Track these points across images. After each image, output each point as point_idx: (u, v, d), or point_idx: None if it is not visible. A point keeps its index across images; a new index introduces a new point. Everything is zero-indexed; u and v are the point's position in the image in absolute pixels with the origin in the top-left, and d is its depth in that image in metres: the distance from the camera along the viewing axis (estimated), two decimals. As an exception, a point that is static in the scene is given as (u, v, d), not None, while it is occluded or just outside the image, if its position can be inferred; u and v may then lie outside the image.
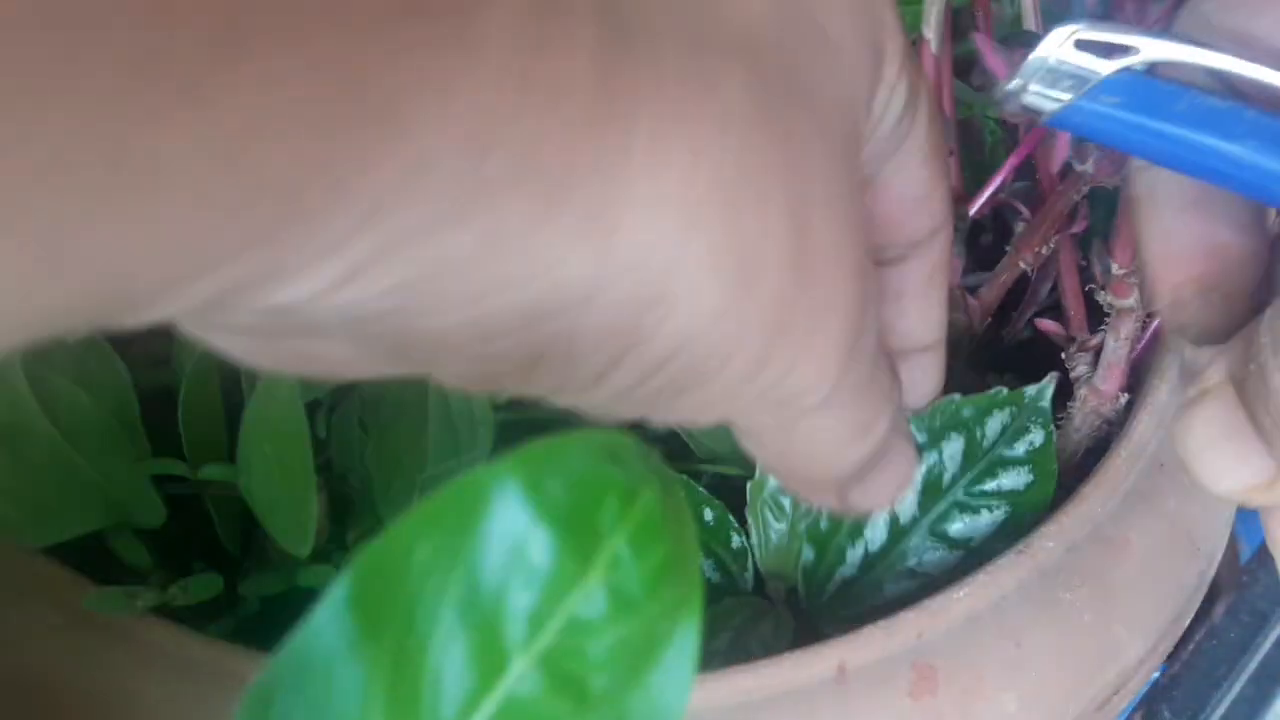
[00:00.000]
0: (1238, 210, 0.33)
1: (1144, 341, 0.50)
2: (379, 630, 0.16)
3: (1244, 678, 0.50)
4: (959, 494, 0.47)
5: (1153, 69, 0.30)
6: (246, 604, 0.43)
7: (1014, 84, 0.30)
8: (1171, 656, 0.47)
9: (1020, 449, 0.47)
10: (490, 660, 0.16)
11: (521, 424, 0.44)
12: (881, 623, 0.40)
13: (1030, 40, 0.30)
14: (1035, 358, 0.57)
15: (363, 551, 0.16)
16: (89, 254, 0.15)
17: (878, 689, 0.40)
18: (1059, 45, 0.29)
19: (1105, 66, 0.30)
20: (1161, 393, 0.49)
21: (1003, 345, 0.55)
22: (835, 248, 0.23)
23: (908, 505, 0.47)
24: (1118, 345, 0.48)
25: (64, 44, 0.14)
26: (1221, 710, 0.49)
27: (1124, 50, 0.30)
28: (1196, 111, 0.30)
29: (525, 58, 0.18)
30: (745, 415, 0.26)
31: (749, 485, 0.46)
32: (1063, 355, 0.51)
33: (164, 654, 0.39)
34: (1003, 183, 0.50)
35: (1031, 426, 0.47)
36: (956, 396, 0.47)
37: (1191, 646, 0.51)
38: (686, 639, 0.16)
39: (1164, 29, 0.31)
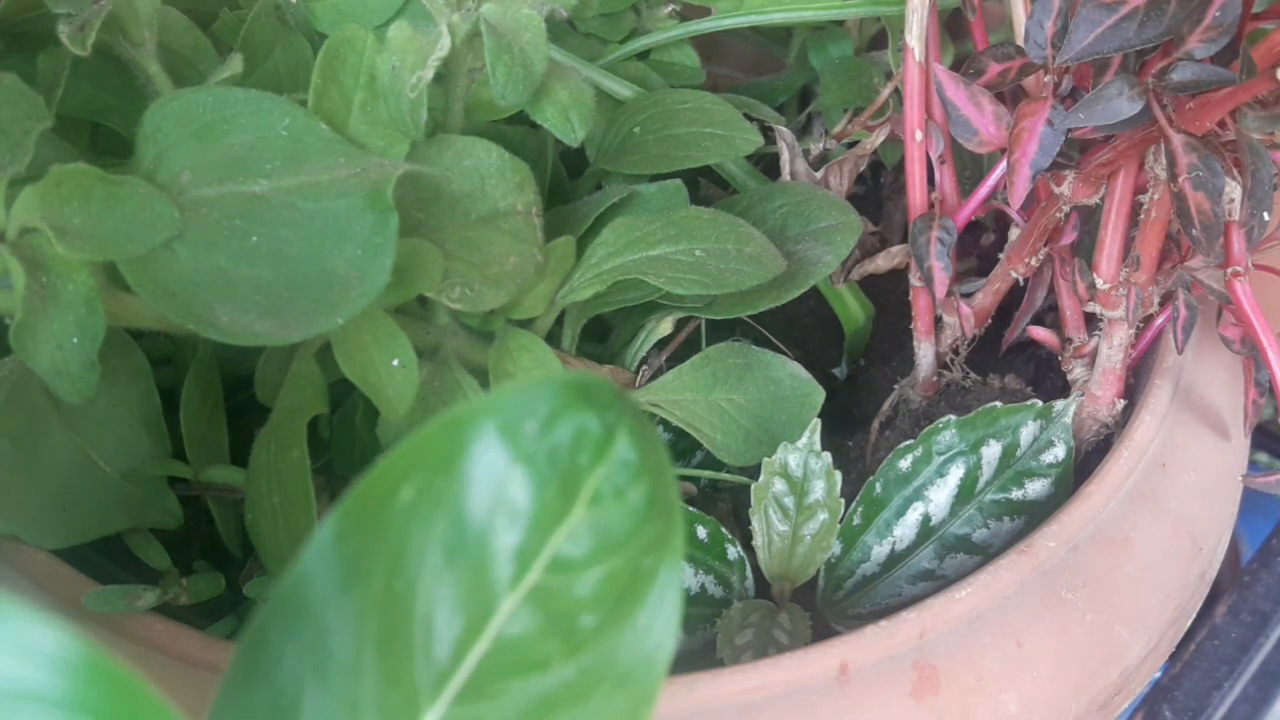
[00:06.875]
0: None
1: (1144, 342, 0.50)
2: (367, 572, 0.16)
3: (1245, 677, 0.50)
4: (987, 500, 0.47)
5: None
6: (249, 604, 0.43)
7: None
8: (1173, 656, 0.47)
9: (1046, 460, 0.47)
10: (479, 600, 0.16)
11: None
12: (883, 622, 0.40)
13: None
14: (1036, 359, 0.57)
15: (346, 494, 0.16)
16: None
17: (879, 688, 0.39)
18: None
19: None
20: (1163, 392, 0.48)
21: (1003, 347, 0.55)
22: None
23: (940, 506, 0.47)
24: (1112, 352, 0.48)
25: None
26: (1223, 710, 0.49)
27: None
28: None
29: None
30: None
31: (753, 488, 0.46)
32: (1060, 358, 0.52)
33: (164, 653, 0.39)
34: (992, 190, 0.49)
35: (1056, 441, 0.47)
36: (998, 404, 0.47)
37: (1193, 646, 0.51)
38: (671, 576, 0.16)
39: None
